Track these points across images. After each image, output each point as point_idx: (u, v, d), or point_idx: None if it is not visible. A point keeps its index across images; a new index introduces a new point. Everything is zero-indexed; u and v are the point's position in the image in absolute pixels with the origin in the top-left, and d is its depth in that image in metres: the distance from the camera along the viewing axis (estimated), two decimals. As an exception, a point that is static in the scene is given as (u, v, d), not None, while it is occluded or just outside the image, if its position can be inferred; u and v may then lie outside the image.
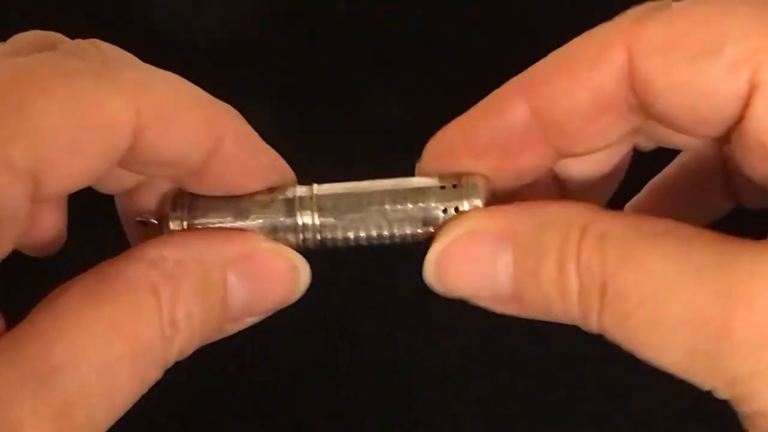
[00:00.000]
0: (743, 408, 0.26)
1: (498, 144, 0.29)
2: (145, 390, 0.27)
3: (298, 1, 0.49)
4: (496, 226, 0.29)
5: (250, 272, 0.29)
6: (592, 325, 0.27)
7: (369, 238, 0.30)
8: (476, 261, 0.29)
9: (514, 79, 0.30)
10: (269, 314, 0.30)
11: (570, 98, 0.28)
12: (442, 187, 0.30)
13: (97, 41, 0.28)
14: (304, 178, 0.30)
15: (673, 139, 0.31)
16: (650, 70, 0.27)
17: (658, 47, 0.27)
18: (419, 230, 0.30)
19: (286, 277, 0.29)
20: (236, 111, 0.30)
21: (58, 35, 0.29)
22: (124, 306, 0.27)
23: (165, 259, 0.28)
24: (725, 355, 0.25)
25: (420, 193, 0.30)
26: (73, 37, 0.29)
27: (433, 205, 0.29)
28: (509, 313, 0.29)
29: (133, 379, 0.26)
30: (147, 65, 0.29)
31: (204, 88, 0.29)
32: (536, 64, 0.30)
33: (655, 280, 0.26)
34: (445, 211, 0.29)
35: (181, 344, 0.27)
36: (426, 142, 0.30)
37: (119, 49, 0.29)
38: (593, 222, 0.27)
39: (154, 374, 0.27)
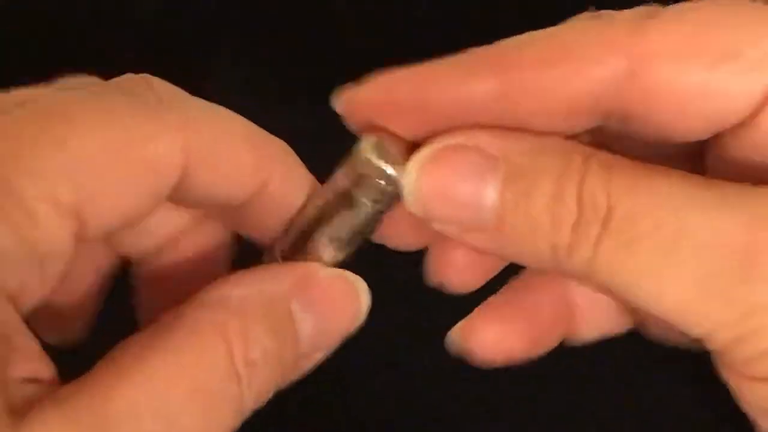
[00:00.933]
0: (748, 348, 0.24)
1: (444, 114, 0.27)
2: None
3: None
4: (489, 141, 0.26)
5: (313, 299, 0.28)
6: (580, 257, 0.25)
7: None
8: (462, 176, 0.26)
9: (486, 49, 0.27)
10: (335, 346, 0.28)
11: (549, 95, 0.26)
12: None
13: (148, 76, 0.28)
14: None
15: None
16: (662, 77, 0.26)
17: (672, 53, 0.26)
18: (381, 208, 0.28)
19: (349, 300, 0.28)
20: (287, 146, 0.29)
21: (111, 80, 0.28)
22: (188, 350, 0.25)
23: (228, 298, 0.26)
24: (748, 282, 0.24)
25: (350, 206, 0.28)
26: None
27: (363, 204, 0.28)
28: (481, 246, 0.27)
29: (204, 426, 0.25)
30: (197, 99, 0.28)
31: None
32: (517, 40, 0.27)
33: (674, 204, 0.24)
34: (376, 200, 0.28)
35: (260, 386, 0.26)
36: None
37: (169, 84, 0.28)
38: (596, 153, 0.26)
39: (230, 421, 0.25)
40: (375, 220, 0.28)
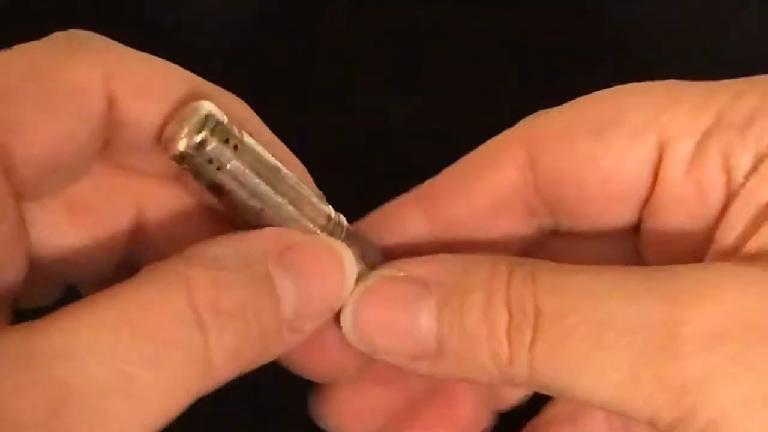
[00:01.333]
0: (690, 427, 0.24)
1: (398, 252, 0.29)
2: (186, 390, 0.24)
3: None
4: (418, 270, 0.27)
5: (293, 261, 0.26)
6: (519, 364, 0.25)
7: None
8: (398, 307, 0.27)
9: (414, 191, 0.30)
10: (325, 317, 0.27)
11: (466, 204, 0.28)
12: None
13: (76, 31, 0.27)
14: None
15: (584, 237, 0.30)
16: (554, 155, 0.28)
17: (557, 132, 0.28)
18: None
19: (332, 265, 0.27)
20: (242, 101, 0.28)
21: None
22: (143, 295, 0.24)
23: (201, 253, 0.25)
24: (676, 359, 0.24)
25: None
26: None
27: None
28: (429, 373, 0.27)
29: (158, 378, 0.23)
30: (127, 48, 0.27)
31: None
32: (436, 179, 0.30)
33: (596, 297, 0.25)
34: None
35: (233, 342, 0.24)
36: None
37: (98, 36, 0.28)
38: (519, 262, 0.27)
39: (194, 377, 0.24)
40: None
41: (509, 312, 0.26)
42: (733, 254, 0.26)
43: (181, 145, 0.25)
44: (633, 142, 0.27)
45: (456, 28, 0.48)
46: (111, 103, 0.26)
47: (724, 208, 0.27)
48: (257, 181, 0.27)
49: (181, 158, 0.25)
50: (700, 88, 0.28)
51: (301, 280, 0.26)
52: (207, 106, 0.26)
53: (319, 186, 0.30)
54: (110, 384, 0.23)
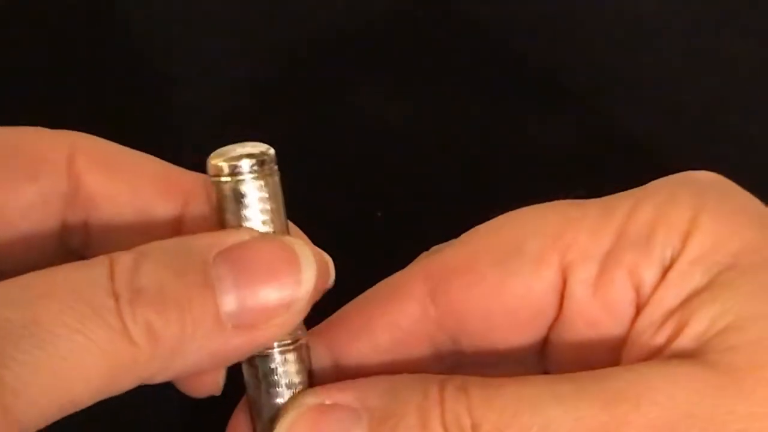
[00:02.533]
0: None
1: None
2: (103, 357, 0.23)
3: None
4: (346, 396, 0.26)
5: (238, 257, 0.25)
6: None
7: None
8: None
9: (318, 325, 0.29)
10: (282, 315, 0.26)
11: (368, 342, 0.28)
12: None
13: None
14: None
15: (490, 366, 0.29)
16: (457, 289, 0.28)
17: (459, 266, 0.28)
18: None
19: (283, 260, 0.26)
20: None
21: None
22: (69, 268, 0.24)
23: (138, 247, 0.25)
24: None
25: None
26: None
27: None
28: None
29: (70, 330, 0.23)
30: None
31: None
32: (339, 310, 0.29)
33: (532, 406, 0.25)
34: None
35: (151, 320, 0.24)
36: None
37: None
38: (449, 378, 0.26)
39: (108, 338, 0.23)
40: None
41: (445, 431, 0.25)
42: (652, 358, 0.27)
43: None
44: (536, 269, 0.27)
45: (456, 30, 0.48)
46: (76, 179, 0.28)
47: (633, 321, 0.27)
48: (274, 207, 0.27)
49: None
50: (596, 206, 0.28)
51: (245, 275, 0.25)
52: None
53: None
54: (17, 326, 0.23)
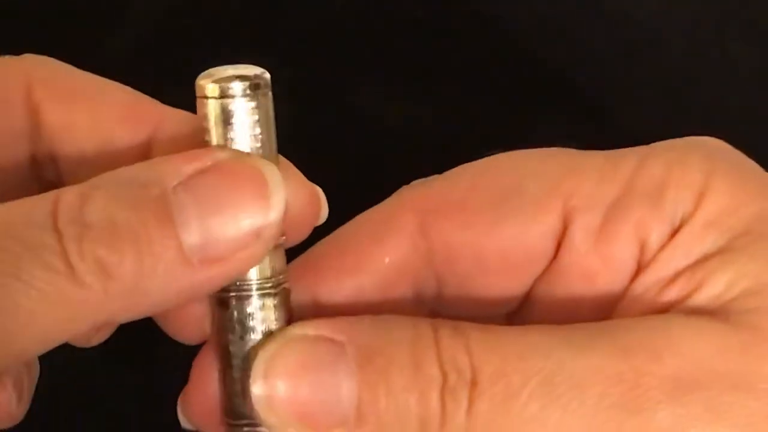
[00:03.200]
0: None
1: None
2: (54, 300, 0.22)
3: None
4: (332, 329, 0.24)
5: (200, 183, 0.23)
6: (454, 428, 0.23)
7: None
8: (313, 369, 0.24)
9: (295, 261, 0.27)
10: (251, 243, 0.23)
11: (353, 279, 0.26)
12: None
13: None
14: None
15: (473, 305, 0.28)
16: (451, 225, 0.26)
17: (454, 202, 0.26)
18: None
19: (250, 184, 0.24)
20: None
21: None
22: (12, 204, 0.23)
23: (93, 180, 0.23)
24: (639, 412, 0.23)
25: None
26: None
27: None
28: None
29: (12, 271, 0.21)
30: None
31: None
32: (316, 245, 0.27)
33: (541, 352, 0.23)
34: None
35: (100, 255, 0.22)
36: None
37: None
38: (441, 320, 0.24)
39: (53, 278, 0.22)
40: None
41: (442, 372, 0.23)
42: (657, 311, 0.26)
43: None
44: (535, 212, 0.26)
45: (456, 30, 0.48)
46: (35, 110, 0.27)
47: (634, 278, 0.26)
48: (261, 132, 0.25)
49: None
50: (600, 156, 0.27)
51: (208, 203, 0.23)
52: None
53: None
54: None
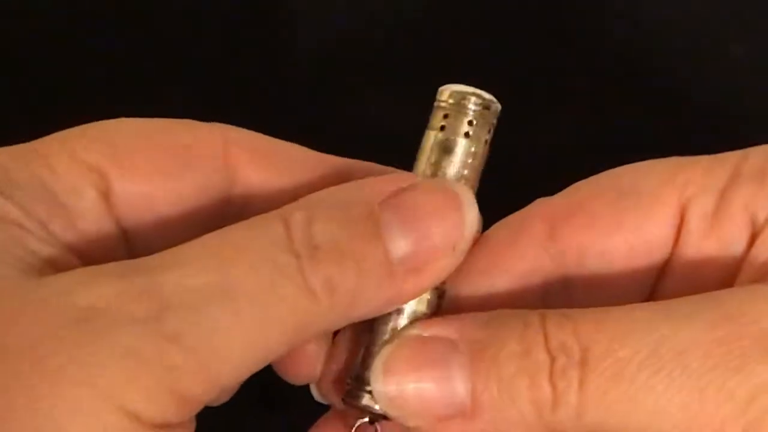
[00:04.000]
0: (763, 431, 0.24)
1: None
2: (291, 313, 0.24)
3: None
4: (444, 328, 0.26)
5: (402, 203, 0.26)
6: (566, 407, 0.25)
7: None
8: (427, 368, 0.26)
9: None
10: (447, 257, 0.26)
11: (488, 281, 0.29)
12: None
13: None
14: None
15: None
16: (576, 226, 0.28)
17: (577, 205, 0.28)
18: None
19: (446, 204, 0.26)
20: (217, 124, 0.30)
21: None
22: (244, 227, 0.25)
23: (301, 202, 0.26)
24: (738, 370, 0.24)
25: None
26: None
27: None
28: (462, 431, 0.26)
29: (258, 289, 0.24)
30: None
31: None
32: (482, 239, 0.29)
33: (644, 327, 0.25)
34: None
35: (330, 272, 0.25)
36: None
37: None
38: (548, 312, 0.26)
39: (292, 293, 0.24)
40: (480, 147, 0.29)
41: (550, 356, 0.25)
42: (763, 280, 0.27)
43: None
44: (653, 205, 0.28)
45: (457, 31, 0.48)
46: (232, 170, 0.28)
47: (746, 254, 0.27)
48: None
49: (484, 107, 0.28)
50: (706, 157, 0.29)
51: (411, 219, 0.26)
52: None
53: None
54: (210, 292, 0.24)
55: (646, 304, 0.26)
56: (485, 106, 0.28)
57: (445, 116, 0.28)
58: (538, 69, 0.47)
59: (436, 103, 0.28)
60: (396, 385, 0.26)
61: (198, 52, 0.47)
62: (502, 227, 0.30)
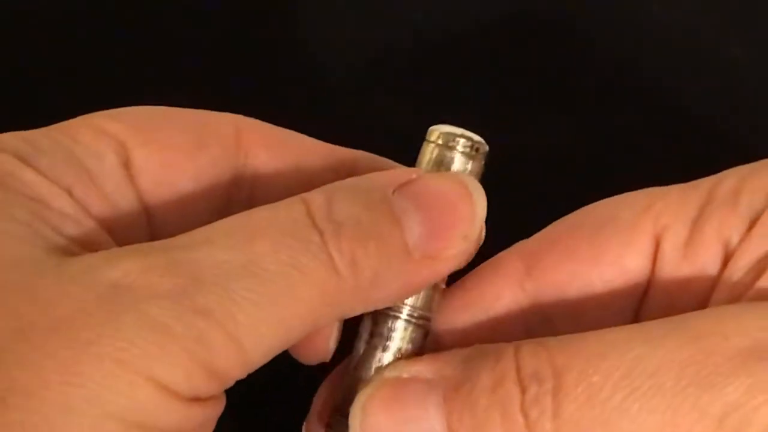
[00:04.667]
0: None
1: None
2: (319, 289, 0.25)
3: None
4: (422, 368, 0.27)
5: (415, 190, 0.27)
6: None
7: None
8: (405, 408, 0.26)
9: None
10: (459, 245, 0.27)
11: (467, 316, 0.29)
12: None
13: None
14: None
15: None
16: (553, 259, 0.29)
17: (554, 240, 0.29)
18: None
19: (457, 193, 0.27)
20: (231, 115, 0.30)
21: None
22: (268, 209, 0.26)
23: (318, 189, 0.26)
24: (711, 387, 0.24)
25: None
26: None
27: None
28: None
29: (283, 263, 0.24)
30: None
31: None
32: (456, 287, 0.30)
33: (618, 350, 0.25)
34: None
35: (353, 251, 0.25)
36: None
37: None
38: (524, 341, 0.26)
39: (317, 268, 0.25)
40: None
41: (521, 387, 0.25)
42: (738, 300, 0.27)
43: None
44: (630, 235, 0.28)
45: (457, 32, 0.48)
46: (244, 152, 0.29)
47: (719, 274, 0.28)
48: None
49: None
50: (679, 186, 0.29)
51: (424, 207, 0.26)
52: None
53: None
54: (236, 269, 0.24)
55: (619, 327, 0.26)
56: (474, 149, 0.28)
57: (434, 157, 0.28)
58: (539, 71, 0.47)
59: (425, 143, 0.29)
60: (375, 425, 0.26)
61: (202, 54, 0.47)
62: (482, 265, 0.30)
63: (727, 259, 0.28)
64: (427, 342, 0.29)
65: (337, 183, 0.27)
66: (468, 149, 0.28)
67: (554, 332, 0.28)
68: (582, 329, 0.28)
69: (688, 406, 0.24)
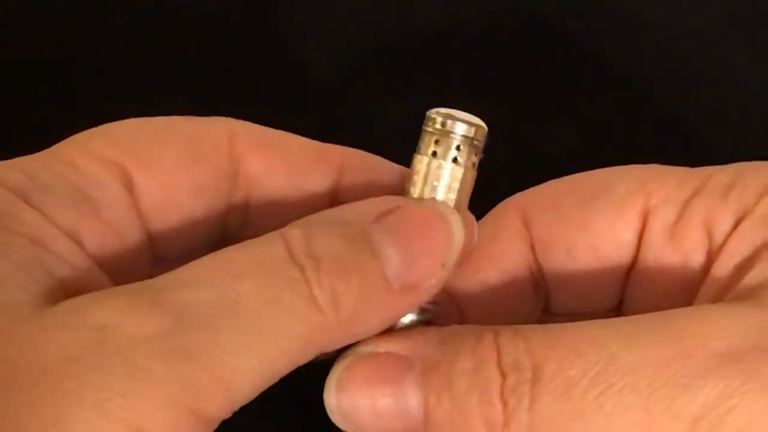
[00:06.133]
0: None
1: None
2: (299, 324, 0.24)
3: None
4: (398, 344, 0.27)
5: (393, 222, 0.26)
6: (517, 424, 0.25)
7: None
8: (381, 383, 0.26)
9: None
10: (438, 274, 0.27)
11: (478, 276, 0.29)
12: None
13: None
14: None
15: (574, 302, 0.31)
16: (545, 221, 0.29)
17: (547, 201, 0.29)
18: None
19: (434, 223, 0.27)
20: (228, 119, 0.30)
21: None
22: (249, 245, 0.25)
23: (296, 222, 0.26)
24: (685, 389, 0.24)
25: None
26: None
27: None
28: None
29: (265, 301, 0.24)
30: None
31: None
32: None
33: (596, 345, 0.25)
34: None
35: (333, 285, 0.25)
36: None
37: None
38: (502, 327, 0.26)
39: (299, 305, 0.24)
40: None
41: (501, 373, 0.25)
42: (720, 300, 0.27)
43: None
44: (620, 209, 0.29)
45: (458, 32, 0.48)
46: (236, 159, 0.29)
47: (705, 269, 0.28)
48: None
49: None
50: (682, 168, 0.30)
51: (402, 238, 0.26)
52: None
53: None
54: (219, 309, 0.24)
55: (598, 321, 0.26)
56: (473, 130, 0.28)
57: (434, 141, 0.28)
58: (539, 71, 0.47)
59: (424, 127, 0.28)
60: (350, 401, 0.26)
61: (201, 57, 0.47)
62: (483, 223, 0.30)
63: (711, 251, 0.28)
64: (438, 312, 0.29)
65: (315, 216, 0.27)
66: (466, 132, 0.28)
67: (551, 291, 0.30)
68: (570, 293, 0.30)
69: (662, 407, 0.24)
